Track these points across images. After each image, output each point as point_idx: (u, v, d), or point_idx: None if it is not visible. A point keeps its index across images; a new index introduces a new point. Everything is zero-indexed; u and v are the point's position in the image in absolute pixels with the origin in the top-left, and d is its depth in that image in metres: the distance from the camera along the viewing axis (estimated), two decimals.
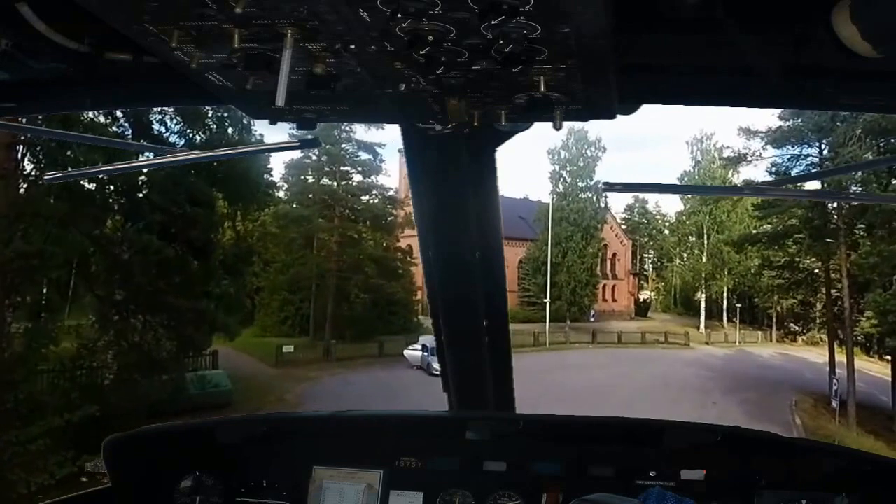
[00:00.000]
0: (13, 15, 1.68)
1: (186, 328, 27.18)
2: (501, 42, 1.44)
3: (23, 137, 22.09)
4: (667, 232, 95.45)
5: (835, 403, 32.40)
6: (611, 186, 2.58)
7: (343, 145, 50.86)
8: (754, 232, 51.27)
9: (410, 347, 42.21)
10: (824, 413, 37.61)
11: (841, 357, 40.35)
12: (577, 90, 1.72)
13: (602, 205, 73.59)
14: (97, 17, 1.43)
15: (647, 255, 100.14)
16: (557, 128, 1.90)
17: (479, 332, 3.22)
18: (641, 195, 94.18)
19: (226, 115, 30.21)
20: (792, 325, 47.76)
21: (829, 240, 40.26)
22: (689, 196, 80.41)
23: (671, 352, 59.22)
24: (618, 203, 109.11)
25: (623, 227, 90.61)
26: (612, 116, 2.03)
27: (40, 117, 16.33)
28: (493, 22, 1.34)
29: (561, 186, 69.28)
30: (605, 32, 1.42)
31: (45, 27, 1.75)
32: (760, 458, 2.92)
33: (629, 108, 2.12)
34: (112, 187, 25.33)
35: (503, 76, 1.64)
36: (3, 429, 19.55)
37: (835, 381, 33.34)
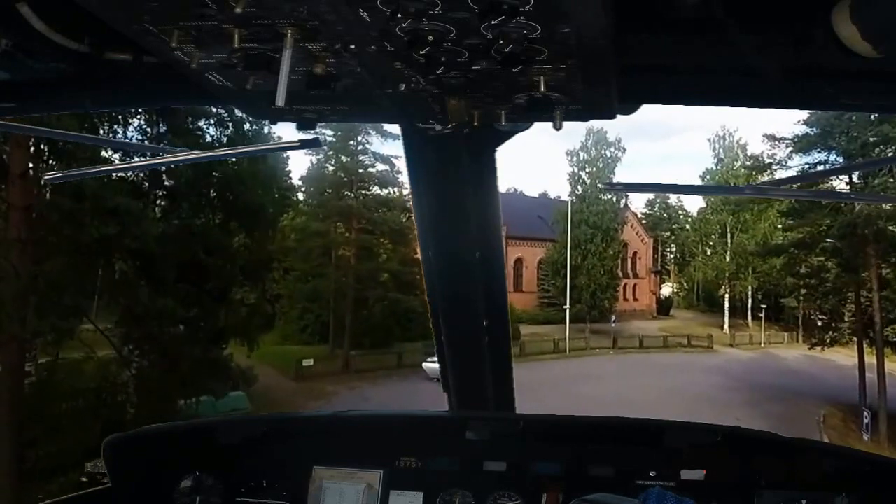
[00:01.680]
0: (13, 15, 1.69)
1: (205, 381, 26.81)
2: (501, 42, 1.44)
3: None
4: (689, 227, 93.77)
5: (866, 437, 31.26)
6: (612, 186, 2.60)
7: (360, 157, 50.58)
8: (780, 242, 49.86)
9: (429, 360, 42.00)
10: (854, 429, 36.56)
11: (870, 358, 38.57)
12: (577, 90, 1.73)
13: (622, 205, 72.63)
14: (97, 17, 1.44)
15: (668, 250, 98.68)
16: (557, 128, 1.90)
17: (479, 332, 3.22)
18: None
19: None
20: (818, 325, 45.74)
21: (861, 273, 39.06)
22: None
23: (694, 357, 57.52)
24: (639, 199, 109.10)
25: (644, 222, 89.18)
26: (612, 116, 2.03)
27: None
28: (493, 22, 1.34)
29: (580, 188, 68.26)
30: (605, 32, 1.42)
31: (45, 27, 1.75)
32: (760, 458, 2.93)
33: (629, 108, 2.12)
34: (126, 241, 24.40)
35: (503, 76, 1.64)
36: (26, 483, 19.69)
37: (866, 413, 32.13)
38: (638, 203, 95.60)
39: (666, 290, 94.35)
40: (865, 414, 31.73)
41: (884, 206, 35.31)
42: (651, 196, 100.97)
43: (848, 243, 38.47)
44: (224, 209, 32.59)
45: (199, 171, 30.26)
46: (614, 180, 66.73)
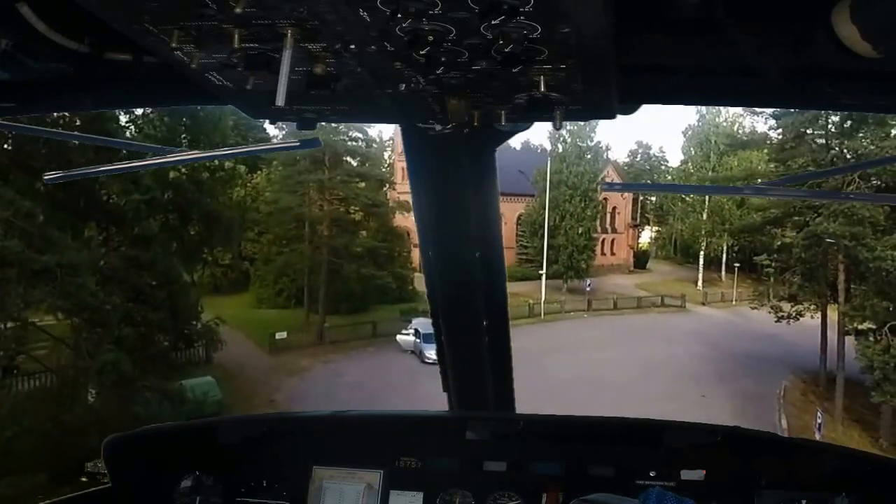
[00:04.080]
0: (13, 15, 1.68)
1: (161, 408, 25.97)
2: (501, 42, 1.44)
3: None
4: (670, 178, 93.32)
5: (818, 435, 31.90)
6: (610, 186, 2.61)
7: (333, 124, 49.46)
8: (757, 220, 49.73)
9: (403, 332, 41.48)
10: (814, 400, 37.32)
11: (835, 314, 39.01)
12: (577, 90, 1.73)
13: (605, 157, 72.96)
14: (97, 17, 1.43)
15: (649, 200, 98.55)
16: (557, 128, 1.91)
17: (479, 332, 3.22)
18: (645, 141, 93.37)
19: None
20: (785, 297, 45.96)
21: (823, 284, 39.41)
22: (693, 150, 79.45)
23: (667, 319, 58.12)
24: (621, 150, 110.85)
25: (626, 171, 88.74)
26: (612, 116, 2.04)
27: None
28: (493, 22, 1.34)
29: (560, 147, 67.51)
30: (605, 32, 1.42)
31: (45, 27, 1.75)
32: (760, 458, 2.93)
33: (629, 108, 2.12)
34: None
35: (503, 76, 1.64)
36: None
37: (819, 414, 32.45)
38: (620, 153, 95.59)
39: (645, 235, 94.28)
40: (818, 415, 32.35)
41: (854, 227, 34.91)
42: (633, 146, 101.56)
43: (812, 254, 38.55)
44: (180, 214, 33.26)
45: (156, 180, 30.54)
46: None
